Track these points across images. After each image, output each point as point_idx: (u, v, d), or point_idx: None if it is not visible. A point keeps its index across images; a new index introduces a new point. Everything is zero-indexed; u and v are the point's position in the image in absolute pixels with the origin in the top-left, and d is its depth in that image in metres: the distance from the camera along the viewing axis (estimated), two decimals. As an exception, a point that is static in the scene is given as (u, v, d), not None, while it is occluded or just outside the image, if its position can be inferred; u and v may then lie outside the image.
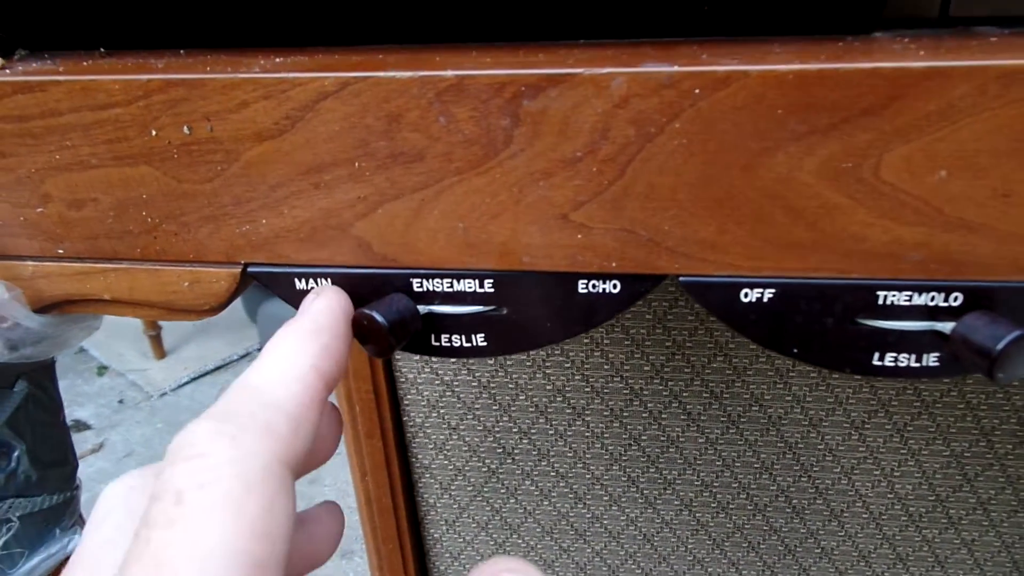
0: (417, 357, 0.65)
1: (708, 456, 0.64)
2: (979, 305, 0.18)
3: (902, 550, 0.67)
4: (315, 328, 0.18)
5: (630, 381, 0.60)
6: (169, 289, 0.22)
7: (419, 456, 0.69)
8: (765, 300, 0.19)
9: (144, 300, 0.22)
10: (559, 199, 0.19)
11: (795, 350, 0.20)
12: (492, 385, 0.64)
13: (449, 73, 0.18)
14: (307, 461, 0.18)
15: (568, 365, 0.62)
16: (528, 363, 0.61)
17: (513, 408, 0.64)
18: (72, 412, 1.69)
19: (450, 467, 0.68)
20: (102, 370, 1.80)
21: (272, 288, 0.21)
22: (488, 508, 0.70)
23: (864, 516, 0.66)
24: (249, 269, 0.21)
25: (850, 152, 0.17)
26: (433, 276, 0.20)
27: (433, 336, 0.22)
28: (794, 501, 0.66)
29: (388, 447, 0.68)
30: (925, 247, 0.18)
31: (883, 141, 0.17)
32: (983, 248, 0.18)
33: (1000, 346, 0.17)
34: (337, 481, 1.43)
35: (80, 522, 0.29)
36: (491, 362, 0.62)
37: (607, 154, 0.18)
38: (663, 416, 0.62)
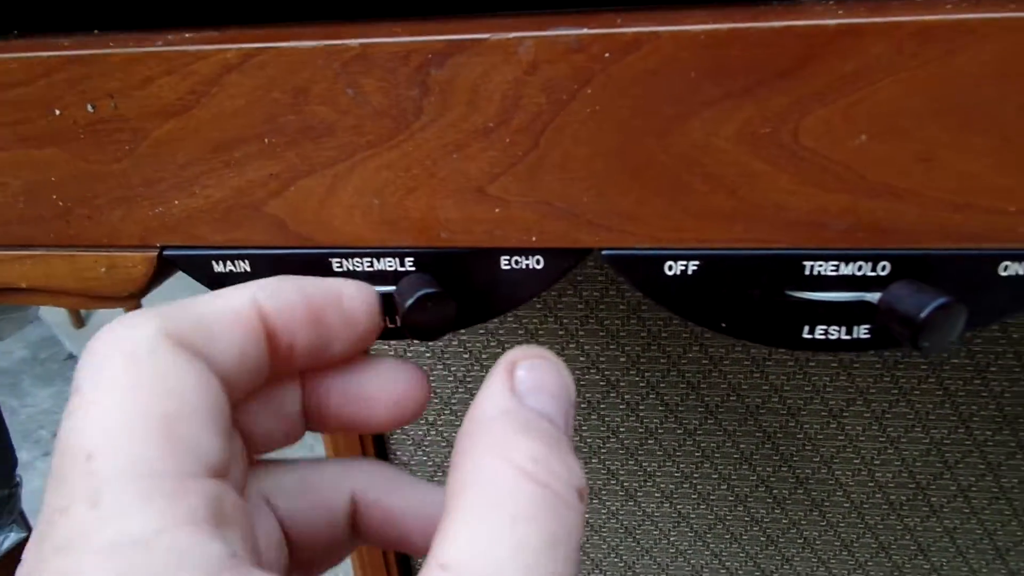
0: (392, 352, 0.65)
1: (687, 447, 0.63)
2: (907, 274, 0.18)
3: (884, 539, 0.67)
4: (288, 280, 0.18)
5: (606, 373, 0.59)
6: (86, 275, 0.21)
7: (398, 453, 0.68)
8: (689, 272, 0.19)
9: (61, 288, 0.21)
10: (474, 172, 0.18)
11: (723, 324, 0.19)
12: (468, 379, 0.63)
13: (354, 42, 0.17)
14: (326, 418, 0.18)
15: (543, 357, 0.61)
16: (503, 356, 0.61)
17: None
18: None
19: (429, 463, 0.67)
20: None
21: (190, 272, 0.21)
22: (467, 503, 0.69)
23: (845, 505, 0.66)
24: (165, 252, 0.21)
25: (767, 116, 0.17)
26: (352, 255, 0.20)
27: (357, 318, 0.21)
28: (775, 491, 0.65)
29: (365, 442, 0.67)
30: (850, 214, 0.17)
31: (800, 104, 0.16)
32: (909, 215, 0.17)
33: (924, 314, 0.16)
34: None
35: (20, 520, 0.28)
36: (466, 355, 0.61)
37: (520, 124, 0.17)
38: (641, 407, 0.61)
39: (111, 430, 0.14)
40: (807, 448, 0.62)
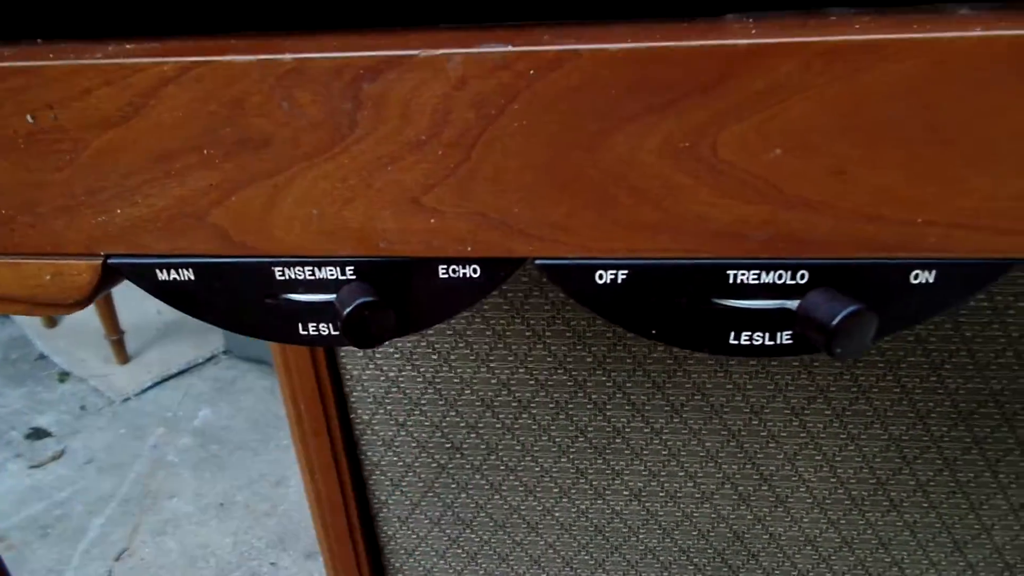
0: (361, 354, 0.65)
1: (654, 446, 0.64)
2: (824, 282, 0.19)
3: (847, 533, 0.68)
4: None
5: (573, 373, 0.60)
6: (32, 283, 0.21)
7: (368, 454, 0.69)
8: (619, 281, 0.19)
9: (7, 295, 0.22)
10: (409, 183, 0.19)
11: (653, 331, 0.20)
12: (437, 380, 0.63)
13: (288, 57, 0.18)
14: None
15: (512, 358, 0.62)
16: (472, 357, 0.61)
17: (459, 403, 0.64)
18: (32, 420, 1.66)
19: (400, 464, 0.67)
20: (64, 376, 1.77)
21: (135, 280, 0.21)
22: (440, 503, 0.70)
23: (808, 501, 0.67)
24: (109, 261, 0.21)
25: (687, 131, 0.17)
26: (294, 264, 0.20)
27: (300, 325, 0.21)
28: (740, 488, 0.66)
29: (336, 445, 0.67)
30: (769, 225, 0.18)
31: (718, 120, 0.17)
32: (824, 226, 0.18)
33: (836, 321, 0.17)
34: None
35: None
36: (435, 356, 0.61)
37: (451, 137, 0.18)
38: (608, 407, 0.62)
39: None
40: (770, 445, 0.63)
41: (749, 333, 0.20)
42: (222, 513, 1.40)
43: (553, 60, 0.17)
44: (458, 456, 0.67)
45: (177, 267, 0.21)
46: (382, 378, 0.65)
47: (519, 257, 0.20)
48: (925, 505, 0.63)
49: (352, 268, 0.20)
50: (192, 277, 0.21)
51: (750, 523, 0.67)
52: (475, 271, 0.20)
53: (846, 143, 0.17)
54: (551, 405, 0.62)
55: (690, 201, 0.18)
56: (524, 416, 0.63)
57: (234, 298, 0.21)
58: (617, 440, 0.64)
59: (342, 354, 0.64)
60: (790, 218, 0.18)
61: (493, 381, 0.61)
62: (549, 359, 0.59)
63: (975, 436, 0.58)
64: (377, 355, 0.64)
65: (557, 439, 0.64)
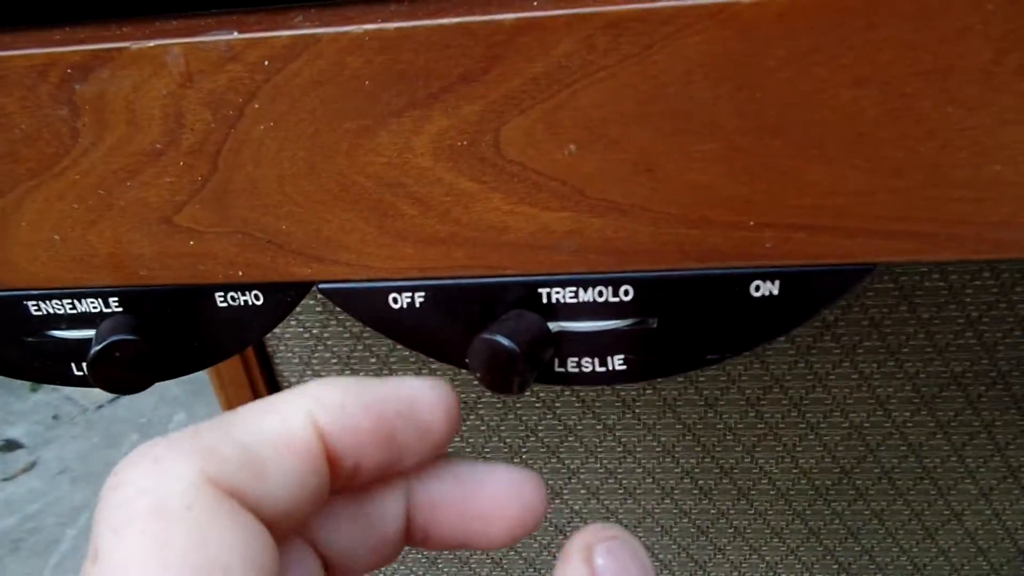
0: (297, 360, 0.62)
1: (608, 443, 0.62)
2: (652, 298, 0.16)
3: (813, 524, 0.66)
4: (351, 392, 0.15)
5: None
6: None
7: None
8: (417, 305, 0.16)
9: None
10: (155, 201, 0.16)
11: (466, 359, 0.17)
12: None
13: (-16, 57, 0.15)
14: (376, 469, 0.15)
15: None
16: (412, 360, 0.59)
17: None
18: (3, 432, 1.64)
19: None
20: (35, 386, 1.75)
21: None
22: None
23: (772, 493, 0.64)
24: None
25: (461, 128, 0.14)
26: (50, 297, 0.17)
27: (74, 365, 0.19)
28: (700, 482, 0.64)
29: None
30: (577, 235, 0.15)
31: (494, 112, 0.14)
32: (641, 233, 0.15)
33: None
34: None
35: None
36: (373, 360, 0.59)
37: (191, 144, 0.15)
38: (557, 405, 0.59)
39: None
40: (728, 438, 0.61)
41: (577, 359, 0.17)
42: (199, 518, 1.38)
43: (288, 47, 0.14)
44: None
45: (-77, 305, 0.18)
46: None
47: (302, 280, 0.17)
48: (892, 492, 0.61)
49: (116, 300, 0.17)
50: (-57, 316, 0.18)
51: (713, 517, 0.65)
52: (257, 298, 0.17)
53: (650, 135, 0.14)
54: (499, 405, 0.60)
55: (482, 210, 0.15)
56: (472, 417, 0.61)
57: (-9, 338, 0.18)
58: (570, 438, 0.61)
59: (278, 362, 0.62)
60: (600, 225, 0.15)
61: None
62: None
63: (939, 420, 0.56)
64: (314, 361, 0.61)
65: (507, 439, 0.61)
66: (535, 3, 0.14)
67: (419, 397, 0.15)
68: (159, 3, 0.15)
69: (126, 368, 0.16)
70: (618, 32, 0.13)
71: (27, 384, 1.76)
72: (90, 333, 0.18)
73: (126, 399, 1.69)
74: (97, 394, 1.70)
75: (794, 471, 0.62)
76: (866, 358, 0.56)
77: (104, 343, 0.16)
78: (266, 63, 0.14)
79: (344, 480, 0.15)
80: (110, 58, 0.14)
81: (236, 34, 0.14)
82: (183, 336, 0.18)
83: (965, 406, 0.57)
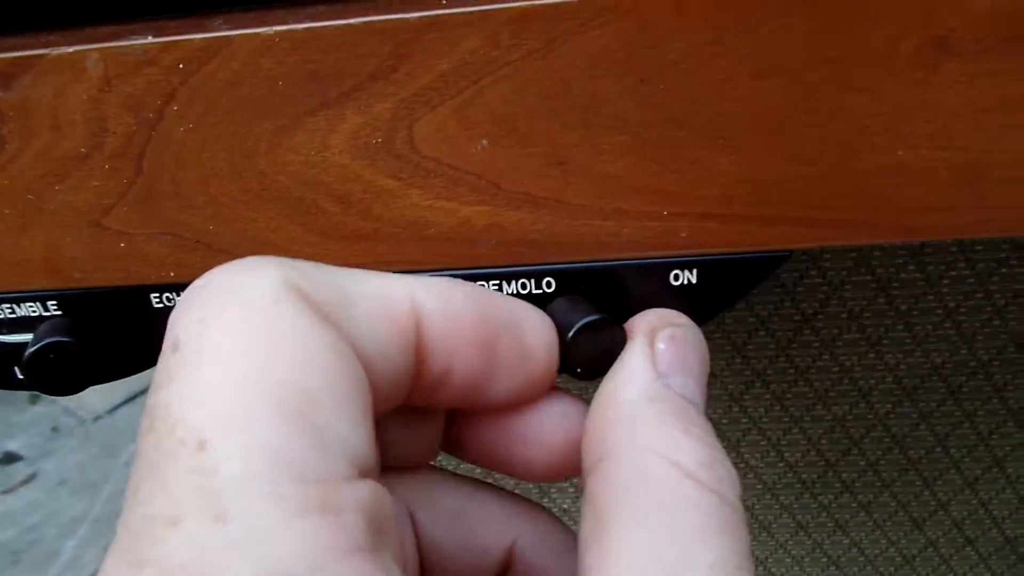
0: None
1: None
2: (573, 289, 0.16)
3: (801, 518, 0.66)
4: (460, 285, 0.13)
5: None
6: None
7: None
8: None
9: None
10: (83, 204, 0.16)
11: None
12: None
13: (-91, 66, 0.15)
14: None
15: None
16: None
17: None
18: (3, 445, 1.64)
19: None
20: (35, 398, 1.75)
21: None
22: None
23: (758, 487, 0.64)
24: None
25: (375, 125, 0.15)
26: (-10, 302, 0.18)
27: (16, 369, 0.19)
28: (686, 478, 0.64)
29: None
30: (496, 228, 0.15)
31: (405, 109, 0.14)
32: (559, 225, 0.15)
33: (570, 336, 0.14)
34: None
35: None
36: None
37: (114, 148, 0.15)
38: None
39: (231, 410, 0.10)
40: (712, 433, 0.61)
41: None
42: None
43: (201, 50, 0.14)
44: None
45: None
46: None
47: (234, 280, 0.17)
48: (878, 484, 0.61)
49: (55, 303, 0.18)
50: None
51: (700, 513, 0.65)
52: (192, 298, 0.17)
53: (559, 129, 0.14)
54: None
55: (402, 206, 0.15)
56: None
57: (-65, 344, 0.18)
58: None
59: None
60: (518, 218, 0.15)
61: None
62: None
63: (921, 411, 0.56)
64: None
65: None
66: (444, 1, 0.14)
67: (526, 318, 0.14)
68: (84, 13, 0.15)
69: (61, 370, 0.17)
70: (521, 28, 0.13)
71: (26, 397, 1.76)
72: (30, 337, 0.18)
73: (123, 410, 1.70)
74: (94, 405, 1.70)
75: (780, 465, 0.62)
76: (846, 351, 0.56)
77: (38, 345, 0.16)
78: (181, 66, 0.14)
79: (426, 391, 0.13)
80: (31, 65, 0.15)
81: (151, 38, 0.14)
82: (120, 338, 0.18)
83: (947, 396, 0.57)
